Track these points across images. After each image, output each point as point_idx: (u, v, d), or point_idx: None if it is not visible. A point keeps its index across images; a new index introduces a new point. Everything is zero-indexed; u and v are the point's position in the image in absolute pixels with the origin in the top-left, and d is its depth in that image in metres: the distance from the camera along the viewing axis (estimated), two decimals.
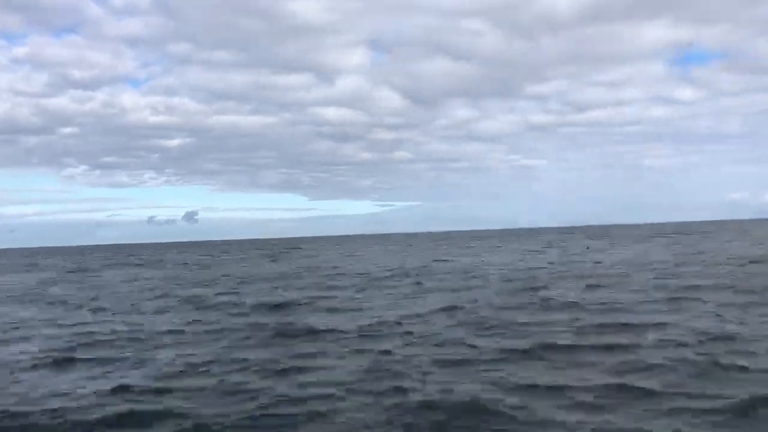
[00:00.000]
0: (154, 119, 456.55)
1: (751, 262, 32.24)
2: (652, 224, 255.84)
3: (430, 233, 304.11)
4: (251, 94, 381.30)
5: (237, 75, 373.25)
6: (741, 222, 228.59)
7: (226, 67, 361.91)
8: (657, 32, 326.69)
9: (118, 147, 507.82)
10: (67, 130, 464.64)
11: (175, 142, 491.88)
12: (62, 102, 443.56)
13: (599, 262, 37.11)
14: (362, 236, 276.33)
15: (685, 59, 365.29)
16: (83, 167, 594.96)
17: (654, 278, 26.10)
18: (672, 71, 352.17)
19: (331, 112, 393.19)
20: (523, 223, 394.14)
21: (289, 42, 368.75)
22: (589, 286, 23.60)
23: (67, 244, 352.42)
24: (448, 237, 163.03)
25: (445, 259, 49.71)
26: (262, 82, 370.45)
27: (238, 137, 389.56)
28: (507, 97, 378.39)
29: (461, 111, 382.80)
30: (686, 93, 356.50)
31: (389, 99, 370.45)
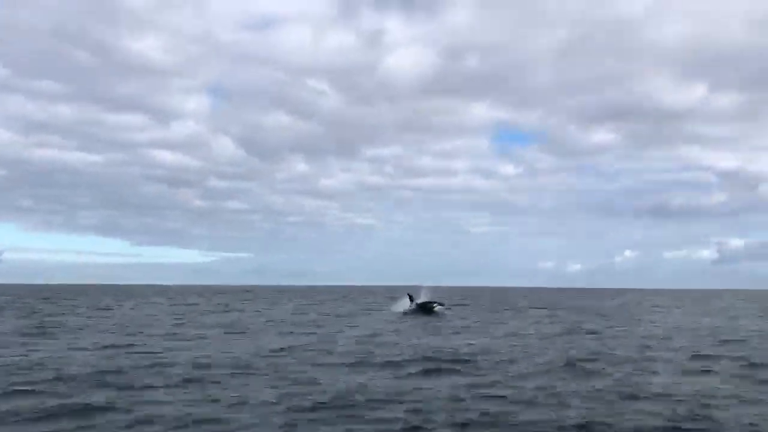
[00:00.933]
0: None
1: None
2: (472, 287, 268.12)
3: (257, 286, 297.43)
4: (77, 129, 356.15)
5: (63, 107, 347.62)
6: (545, 290, 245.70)
7: (50, 98, 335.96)
8: (483, 111, 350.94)
9: None
10: None
11: None
12: None
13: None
14: (183, 287, 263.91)
15: (506, 138, 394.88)
16: None
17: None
18: (495, 147, 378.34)
19: (165, 156, 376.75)
20: (357, 280, 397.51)
21: (124, 80, 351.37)
22: None
23: None
24: (248, 291, 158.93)
25: None
26: (91, 118, 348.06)
27: (59, 173, 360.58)
28: (345, 156, 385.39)
29: (300, 166, 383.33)
30: (506, 168, 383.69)
31: (226, 147, 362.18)
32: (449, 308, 55.45)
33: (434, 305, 52.57)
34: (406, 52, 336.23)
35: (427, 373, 18.99)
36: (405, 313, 51.23)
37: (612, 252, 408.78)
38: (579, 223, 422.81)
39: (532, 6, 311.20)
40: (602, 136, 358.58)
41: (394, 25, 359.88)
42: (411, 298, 54.54)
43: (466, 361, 21.41)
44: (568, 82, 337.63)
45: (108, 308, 58.31)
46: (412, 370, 19.44)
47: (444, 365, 20.46)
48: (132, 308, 58.91)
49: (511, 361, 21.40)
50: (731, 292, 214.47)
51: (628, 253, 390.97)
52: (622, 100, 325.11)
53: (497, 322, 42.60)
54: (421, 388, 16.13)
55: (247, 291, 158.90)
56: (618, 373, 18.98)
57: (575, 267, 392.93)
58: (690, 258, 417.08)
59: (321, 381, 17.02)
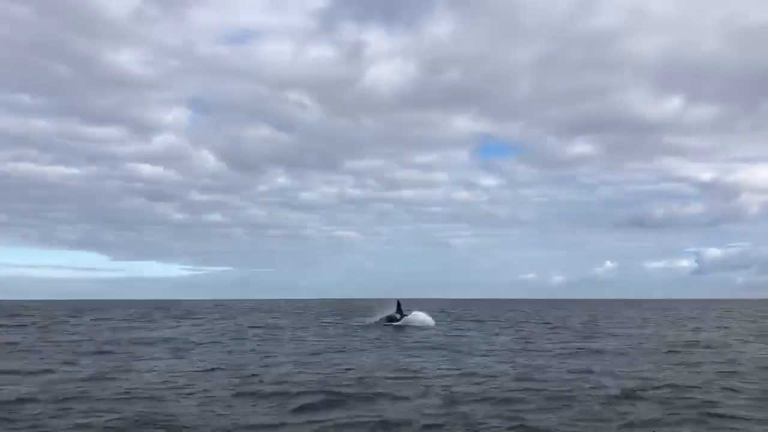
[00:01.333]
0: None
1: None
2: (453, 299, 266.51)
3: (238, 300, 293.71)
4: (55, 143, 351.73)
5: (41, 121, 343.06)
6: (528, 301, 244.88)
7: (28, 112, 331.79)
8: (464, 123, 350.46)
9: None
10: None
11: None
12: None
13: None
14: (165, 301, 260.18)
15: (487, 150, 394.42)
16: None
17: None
18: (475, 160, 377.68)
19: (145, 169, 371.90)
20: (339, 293, 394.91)
21: (103, 93, 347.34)
22: None
23: None
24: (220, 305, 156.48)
25: None
26: (70, 131, 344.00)
27: (36, 187, 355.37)
28: (326, 169, 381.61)
29: (281, 179, 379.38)
30: (487, 180, 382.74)
31: (207, 160, 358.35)
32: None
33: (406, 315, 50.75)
34: (387, 64, 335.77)
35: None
36: (385, 325, 49.59)
37: (593, 263, 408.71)
38: (560, 235, 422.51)
39: (512, 19, 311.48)
40: (582, 147, 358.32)
41: (375, 38, 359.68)
42: (398, 308, 52.28)
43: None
44: (548, 94, 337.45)
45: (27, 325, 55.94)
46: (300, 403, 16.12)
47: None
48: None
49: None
50: (710, 302, 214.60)
51: (608, 263, 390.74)
52: (601, 112, 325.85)
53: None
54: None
55: (219, 305, 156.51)
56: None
57: (557, 278, 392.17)
58: (669, 268, 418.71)
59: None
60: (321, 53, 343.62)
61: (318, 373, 21.30)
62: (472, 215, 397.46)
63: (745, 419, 14.26)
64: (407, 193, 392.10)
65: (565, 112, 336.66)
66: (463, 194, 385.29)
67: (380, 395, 17.04)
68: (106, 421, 13.85)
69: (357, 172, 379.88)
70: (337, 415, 14.51)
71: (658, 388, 18.30)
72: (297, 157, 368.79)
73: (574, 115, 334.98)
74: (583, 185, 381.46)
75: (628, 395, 16.98)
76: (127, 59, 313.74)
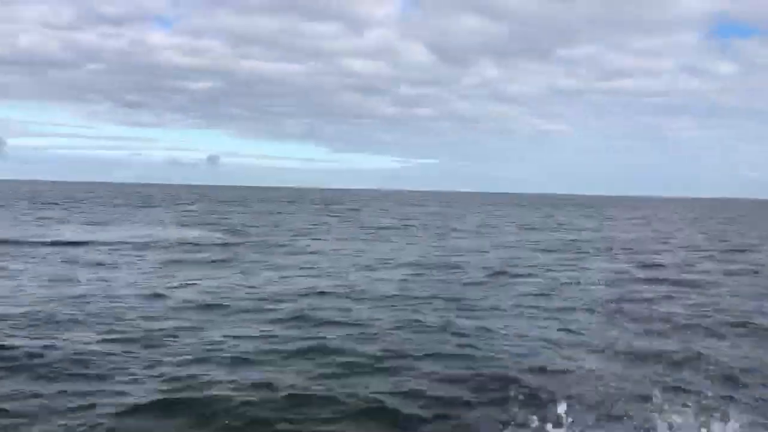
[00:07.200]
0: (180, 60, 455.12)
1: None
2: (674, 198, 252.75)
3: (453, 193, 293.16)
4: (279, 40, 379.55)
5: (266, 19, 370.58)
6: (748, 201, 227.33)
7: (255, 10, 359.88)
8: (693, 1, 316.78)
9: (143, 86, 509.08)
10: (93, 66, 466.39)
11: (200, 85, 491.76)
12: (90, 37, 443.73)
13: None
14: (399, 192, 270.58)
15: (722, 31, 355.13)
16: (108, 104, 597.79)
17: None
18: (707, 43, 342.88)
19: (358, 64, 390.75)
20: (544, 188, 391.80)
21: None
22: None
23: (90, 180, 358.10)
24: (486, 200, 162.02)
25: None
26: (291, 28, 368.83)
27: (263, 84, 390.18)
28: (536, 59, 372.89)
29: (489, 71, 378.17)
30: (720, 66, 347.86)
31: (417, 53, 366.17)
32: None
33: None
34: None
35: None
36: None
37: None
38: None
39: None
40: None
41: None
42: None
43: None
44: None
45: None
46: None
47: None
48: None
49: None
50: None
51: None
52: None
53: None
54: None
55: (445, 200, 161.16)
56: None
57: None
58: None
59: None
60: None
61: None
62: (696, 106, 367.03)
63: None
64: (625, 83, 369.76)
65: None
66: (687, 83, 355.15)
67: None
68: None
69: (569, 61, 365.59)
70: None
71: None
72: (506, 47, 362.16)
73: None
74: None
75: None
76: None
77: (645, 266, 23.39)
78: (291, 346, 10.75)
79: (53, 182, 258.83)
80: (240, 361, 9.88)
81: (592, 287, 18.03)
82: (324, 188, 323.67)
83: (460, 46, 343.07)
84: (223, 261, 22.40)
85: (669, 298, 16.52)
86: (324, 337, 11.33)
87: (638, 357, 10.57)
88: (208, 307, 13.95)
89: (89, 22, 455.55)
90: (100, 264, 20.43)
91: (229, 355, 10.17)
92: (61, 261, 20.92)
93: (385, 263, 22.69)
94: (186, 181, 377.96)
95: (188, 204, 75.79)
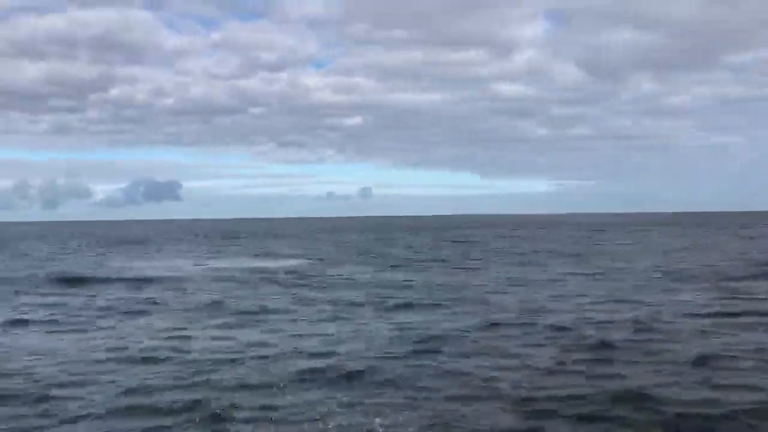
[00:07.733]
0: (333, 99, 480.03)
1: None
2: None
3: (615, 215, 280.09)
4: (424, 71, 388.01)
5: (411, 52, 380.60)
6: None
7: (401, 45, 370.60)
8: None
9: (301, 125, 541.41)
10: (256, 110, 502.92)
11: (352, 121, 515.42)
12: (252, 83, 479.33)
13: None
14: (554, 216, 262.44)
15: None
16: (270, 145, 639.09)
17: None
18: None
19: (506, 88, 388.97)
20: (714, 206, 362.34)
21: (462, 17, 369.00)
22: None
23: (256, 216, 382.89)
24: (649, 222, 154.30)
25: None
26: (436, 58, 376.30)
27: (412, 115, 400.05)
28: (698, 68, 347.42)
29: (646, 85, 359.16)
30: None
31: (567, 73, 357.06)
32: None
33: None
34: None
35: None
36: None
37: None
38: None
39: None
40: None
41: None
42: None
43: None
44: None
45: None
46: None
47: None
48: None
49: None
50: None
51: None
52: None
53: None
54: None
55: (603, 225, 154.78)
56: None
57: None
58: None
59: None
60: None
61: None
62: None
63: None
64: None
65: None
66: None
67: None
68: None
69: (737, 68, 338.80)
70: None
71: None
72: (664, 58, 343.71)
73: None
74: None
75: None
76: None
77: None
78: None
79: (223, 220, 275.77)
80: None
81: None
82: (475, 214, 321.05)
83: (612, 62, 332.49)
84: None
85: None
86: None
87: None
88: None
89: (251, 70, 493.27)
90: None
91: None
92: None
93: None
94: (342, 213, 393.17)
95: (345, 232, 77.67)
